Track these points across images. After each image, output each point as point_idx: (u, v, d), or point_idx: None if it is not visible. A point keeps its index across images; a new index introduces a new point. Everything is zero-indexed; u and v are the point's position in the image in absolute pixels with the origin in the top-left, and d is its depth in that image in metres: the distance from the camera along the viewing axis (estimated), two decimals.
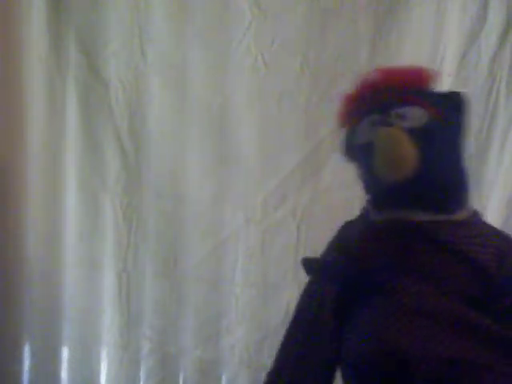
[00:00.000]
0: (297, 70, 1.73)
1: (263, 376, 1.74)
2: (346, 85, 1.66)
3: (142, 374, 1.90)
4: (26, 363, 1.90)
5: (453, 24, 1.70)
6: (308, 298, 1.17)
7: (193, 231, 1.84)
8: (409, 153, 0.97)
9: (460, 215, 1.03)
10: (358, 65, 1.71)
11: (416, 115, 1.00)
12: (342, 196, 1.69)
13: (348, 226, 1.18)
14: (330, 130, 1.72)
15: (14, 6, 1.77)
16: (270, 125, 1.76)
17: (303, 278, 1.78)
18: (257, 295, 1.81)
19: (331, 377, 1.09)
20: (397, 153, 0.99)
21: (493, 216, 1.71)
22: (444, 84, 1.70)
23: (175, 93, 1.80)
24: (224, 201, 1.82)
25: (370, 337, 0.98)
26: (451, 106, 1.05)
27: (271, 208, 1.79)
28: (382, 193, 1.06)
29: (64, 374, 1.92)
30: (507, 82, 1.69)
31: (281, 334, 1.81)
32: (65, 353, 1.91)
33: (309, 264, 1.17)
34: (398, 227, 1.03)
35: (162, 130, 1.82)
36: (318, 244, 1.75)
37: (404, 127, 0.99)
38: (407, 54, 1.71)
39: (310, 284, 1.18)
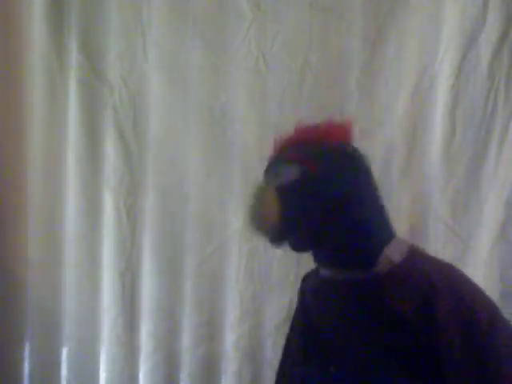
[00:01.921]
0: (298, 70, 1.75)
1: (266, 373, 1.77)
2: (347, 85, 1.72)
3: (145, 372, 1.91)
4: (26, 363, 1.89)
5: (452, 25, 1.71)
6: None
7: (196, 230, 1.84)
8: (266, 210, 1.01)
9: (383, 267, 1.03)
10: (358, 66, 1.73)
11: (286, 172, 1.02)
12: None
13: (305, 282, 1.26)
14: None
15: (15, 7, 1.76)
16: (271, 126, 1.76)
17: None
18: (260, 293, 1.82)
19: None
20: (254, 210, 1.05)
21: (491, 216, 1.73)
22: (444, 85, 1.73)
23: (177, 93, 1.81)
24: (225, 200, 1.82)
25: None
26: (341, 165, 1.05)
27: None
28: None
29: (64, 373, 1.92)
30: (506, 83, 1.71)
31: (284, 331, 1.83)
32: (65, 353, 1.91)
33: None
34: (332, 285, 1.09)
35: (164, 131, 1.83)
36: None
37: (275, 185, 1.02)
38: (407, 54, 1.72)
39: None
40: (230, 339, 1.86)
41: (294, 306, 1.78)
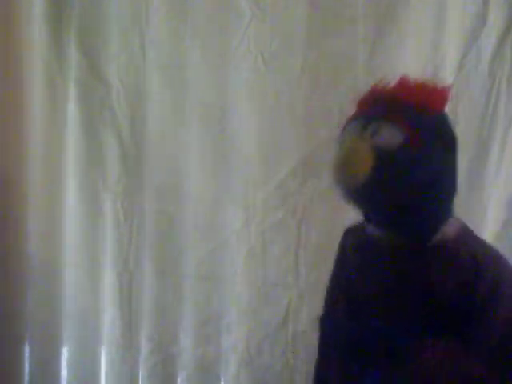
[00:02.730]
0: (297, 69, 1.73)
1: (264, 376, 1.76)
2: (346, 84, 1.71)
3: (143, 374, 1.91)
4: (26, 363, 1.90)
5: (453, 24, 1.69)
6: None
7: (193, 231, 1.84)
8: (359, 166, 0.97)
9: (433, 240, 1.02)
10: (357, 64, 1.71)
11: (389, 134, 0.98)
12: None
13: (347, 235, 1.22)
14: (330, 130, 1.71)
15: (15, 8, 1.77)
16: (270, 124, 1.76)
17: (304, 277, 1.80)
18: (257, 295, 1.81)
19: None
20: (346, 162, 1.00)
21: (493, 216, 1.71)
22: (445, 84, 1.71)
23: (175, 93, 1.80)
24: (224, 201, 1.82)
25: None
26: (440, 139, 1.02)
27: (271, 208, 1.79)
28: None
29: (64, 373, 1.93)
30: (508, 82, 1.68)
31: (281, 334, 1.83)
32: (65, 353, 1.92)
33: None
34: (380, 246, 1.07)
35: (162, 131, 1.82)
36: (318, 244, 1.77)
37: (372, 142, 0.98)
38: (407, 53, 1.70)
39: None
40: (228, 342, 1.85)
41: (293, 307, 1.81)
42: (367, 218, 1.11)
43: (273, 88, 1.75)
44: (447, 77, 1.70)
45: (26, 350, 1.90)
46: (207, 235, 1.83)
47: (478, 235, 1.10)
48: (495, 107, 1.70)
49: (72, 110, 1.83)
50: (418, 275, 1.02)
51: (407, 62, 1.70)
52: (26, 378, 1.91)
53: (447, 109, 1.62)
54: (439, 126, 1.03)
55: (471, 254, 1.00)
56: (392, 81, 1.06)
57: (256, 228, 1.80)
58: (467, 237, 1.06)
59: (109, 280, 1.89)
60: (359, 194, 1.01)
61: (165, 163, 1.83)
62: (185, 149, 1.82)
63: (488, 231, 1.72)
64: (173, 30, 1.79)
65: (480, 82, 1.69)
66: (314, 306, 1.77)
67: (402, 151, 0.97)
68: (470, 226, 1.68)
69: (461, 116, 1.70)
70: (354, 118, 1.06)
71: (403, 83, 1.06)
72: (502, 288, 0.98)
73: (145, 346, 1.89)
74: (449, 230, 1.04)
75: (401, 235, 1.04)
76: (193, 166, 1.82)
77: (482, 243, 1.07)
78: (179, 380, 1.90)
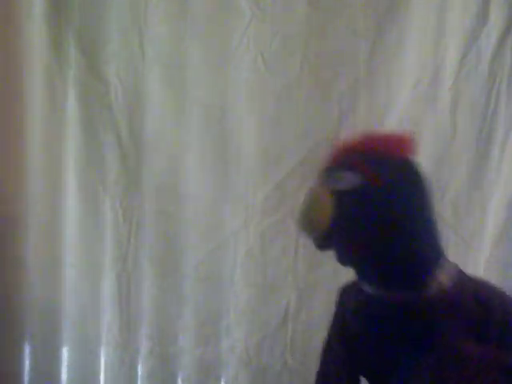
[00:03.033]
0: (297, 68, 1.72)
1: (263, 378, 1.75)
2: (346, 84, 1.70)
3: (142, 375, 1.90)
4: (26, 363, 1.90)
5: (453, 24, 1.68)
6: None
7: (192, 231, 1.83)
8: (318, 212, 0.99)
9: (432, 289, 1.01)
10: (357, 64, 1.70)
11: (348, 179, 0.99)
12: None
13: (344, 295, 1.21)
14: (329, 130, 1.72)
15: (14, 7, 1.76)
16: (270, 124, 1.75)
17: (303, 278, 1.80)
18: (256, 296, 1.81)
19: None
20: (306, 209, 1.02)
21: (494, 216, 1.70)
22: (444, 84, 1.70)
23: (174, 92, 1.80)
24: (223, 201, 1.81)
25: None
26: (403, 181, 1.01)
27: (270, 208, 1.78)
28: None
29: (64, 374, 1.93)
30: (508, 82, 1.68)
31: (280, 334, 1.83)
32: (65, 353, 1.92)
33: None
34: (381, 304, 1.05)
35: (161, 130, 1.81)
36: None
37: (331, 188, 1.00)
38: (407, 53, 1.69)
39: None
40: (226, 343, 1.85)
41: (292, 308, 1.81)
42: (361, 276, 1.10)
43: (272, 88, 1.74)
44: (447, 77, 1.69)
45: (26, 350, 1.90)
46: (206, 235, 1.82)
47: (473, 276, 1.09)
48: (495, 107, 1.69)
49: (71, 109, 1.82)
50: (426, 329, 0.99)
51: (407, 60, 1.70)
52: (26, 378, 1.91)
53: (448, 113, 1.68)
54: (402, 167, 1.02)
55: (475, 297, 0.99)
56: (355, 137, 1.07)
57: (255, 228, 1.79)
58: (465, 280, 1.05)
59: (108, 280, 1.88)
60: (326, 243, 1.03)
61: (164, 163, 1.82)
62: (184, 149, 1.81)
63: (488, 231, 1.72)
64: (172, 30, 1.78)
65: (480, 82, 1.69)
66: (313, 306, 1.79)
67: (361, 191, 0.98)
68: (471, 226, 1.72)
69: (461, 116, 1.70)
70: (320, 173, 1.08)
71: (367, 135, 1.07)
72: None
73: (144, 347, 1.88)
74: (445, 276, 1.02)
75: (391, 287, 1.02)
76: (192, 166, 1.81)
77: (480, 283, 1.06)
78: (179, 380, 1.90)
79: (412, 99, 1.71)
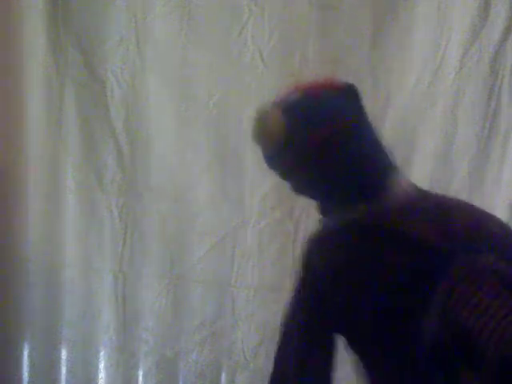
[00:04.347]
0: (295, 66, 1.71)
1: (260, 380, 1.73)
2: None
3: (139, 377, 1.90)
4: (26, 363, 1.91)
5: (454, 21, 1.67)
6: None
7: (189, 231, 1.82)
8: (269, 127, 1.04)
9: (391, 200, 1.01)
10: (357, 60, 1.69)
11: (291, 96, 1.06)
12: None
13: (310, 243, 1.17)
14: None
15: (12, 5, 1.76)
16: None
17: None
18: (253, 297, 1.80)
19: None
20: (259, 126, 1.08)
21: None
22: (445, 82, 1.69)
23: (172, 90, 1.78)
24: (221, 201, 1.80)
25: None
26: (343, 92, 1.06)
27: (268, 208, 1.77)
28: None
29: (63, 374, 1.93)
30: (510, 80, 1.67)
31: (277, 337, 1.80)
32: (64, 353, 1.92)
33: None
34: (345, 227, 1.04)
35: (158, 129, 1.80)
36: None
37: (280, 106, 1.05)
38: (407, 50, 1.68)
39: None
40: (223, 345, 1.83)
41: None
42: (323, 207, 1.12)
43: (270, 85, 1.72)
44: (448, 74, 1.68)
45: (26, 350, 1.91)
46: (203, 235, 1.81)
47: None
48: (497, 106, 1.68)
49: (69, 108, 1.81)
50: (396, 237, 0.97)
51: (407, 57, 1.69)
52: (26, 378, 1.92)
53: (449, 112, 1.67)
54: (340, 87, 1.07)
55: (436, 205, 1.02)
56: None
57: (252, 228, 1.78)
58: (426, 192, 1.07)
59: (104, 281, 1.87)
60: (279, 154, 1.04)
61: (160, 163, 1.81)
62: (181, 148, 1.79)
63: None
64: (169, 27, 1.76)
65: (481, 81, 1.67)
66: None
67: (306, 104, 1.02)
68: None
69: (462, 115, 1.69)
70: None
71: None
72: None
73: (140, 349, 1.87)
74: (404, 187, 1.04)
75: (351, 203, 1.02)
76: (189, 165, 1.79)
77: (441, 195, 1.08)
78: (176, 383, 1.88)
79: (413, 98, 1.69)
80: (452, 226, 0.96)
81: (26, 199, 1.83)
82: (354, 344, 1.04)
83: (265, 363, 1.79)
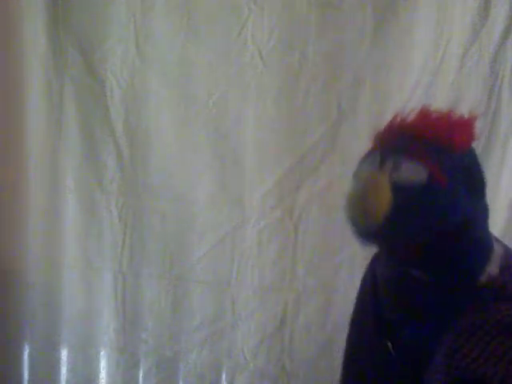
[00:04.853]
0: (295, 66, 1.70)
1: (260, 380, 1.73)
2: (344, 81, 1.68)
3: (139, 377, 1.90)
4: (27, 363, 1.92)
5: (454, 21, 1.66)
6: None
7: (189, 231, 1.82)
8: (378, 204, 0.90)
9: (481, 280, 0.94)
10: (357, 61, 1.68)
11: (410, 170, 0.91)
12: (340, 196, 1.66)
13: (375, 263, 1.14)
14: (328, 129, 1.69)
15: (12, 5, 1.76)
16: (267, 123, 1.73)
17: (301, 280, 1.78)
18: (253, 297, 1.79)
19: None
20: (364, 197, 0.92)
21: (495, 217, 1.68)
22: (445, 81, 1.68)
23: (171, 90, 1.78)
24: (221, 201, 1.79)
25: None
26: (466, 181, 0.93)
27: (268, 208, 1.76)
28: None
29: (63, 374, 1.93)
30: (510, 80, 1.66)
31: (278, 337, 1.81)
32: (64, 354, 1.92)
33: None
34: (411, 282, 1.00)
35: (157, 128, 1.80)
36: (315, 244, 1.75)
37: (391, 178, 0.91)
38: (407, 49, 1.67)
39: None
40: (223, 345, 1.83)
41: (290, 311, 1.79)
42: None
43: (270, 85, 1.73)
44: (447, 74, 1.67)
45: (26, 350, 1.91)
46: (203, 235, 1.81)
47: None
48: (497, 106, 1.67)
49: (68, 108, 1.81)
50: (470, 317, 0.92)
51: (407, 57, 1.68)
52: (26, 378, 1.92)
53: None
54: (466, 165, 0.94)
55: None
56: (412, 114, 0.97)
57: (252, 228, 1.77)
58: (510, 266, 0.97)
59: (104, 281, 1.87)
60: (377, 234, 0.93)
61: (160, 163, 1.80)
62: (180, 147, 1.79)
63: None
64: (168, 26, 1.76)
65: (481, 81, 1.66)
66: (311, 309, 1.77)
67: (425, 189, 0.89)
68: None
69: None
70: (372, 152, 0.98)
71: (424, 116, 0.96)
72: None
73: (140, 349, 1.87)
74: (493, 266, 0.95)
75: (437, 277, 0.96)
76: (188, 164, 1.79)
77: None
78: (174, 383, 1.88)
79: (412, 97, 1.68)
80: None
81: (26, 199, 1.83)
82: None
83: (265, 363, 1.79)
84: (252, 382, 1.81)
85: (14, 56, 1.78)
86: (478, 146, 1.63)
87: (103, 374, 1.91)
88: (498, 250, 0.98)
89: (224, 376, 1.84)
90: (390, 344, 1.03)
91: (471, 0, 1.64)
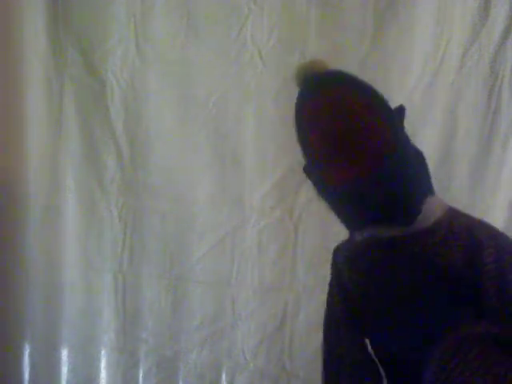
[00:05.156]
0: (294, 65, 1.69)
1: (260, 380, 1.73)
2: None
3: (139, 377, 1.89)
4: (27, 363, 1.92)
5: (454, 21, 1.66)
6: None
7: (189, 231, 1.82)
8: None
9: (423, 222, 1.00)
10: (356, 60, 1.68)
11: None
12: None
13: (337, 252, 1.18)
14: None
15: (12, 5, 1.76)
16: (267, 123, 1.73)
17: (301, 280, 1.78)
18: (253, 297, 1.79)
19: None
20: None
21: (495, 216, 1.68)
22: (445, 81, 1.68)
23: (171, 90, 1.78)
24: (221, 201, 1.79)
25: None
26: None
27: (268, 208, 1.76)
28: (348, 209, 1.05)
29: (63, 374, 1.93)
30: (510, 80, 1.65)
31: (278, 337, 1.81)
32: (64, 354, 1.92)
33: None
34: (373, 245, 1.04)
35: (157, 128, 1.80)
36: (315, 244, 1.75)
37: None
38: (407, 49, 1.67)
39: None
40: (222, 346, 1.83)
41: (290, 310, 1.79)
42: (353, 222, 1.08)
43: (270, 85, 1.73)
44: (447, 74, 1.67)
45: (26, 350, 1.91)
46: (203, 235, 1.81)
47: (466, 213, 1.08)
48: (497, 105, 1.67)
49: (68, 108, 1.82)
50: (422, 259, 0.99)
51: (407, 57, 1.68)
52: (26, 378, 1.92)
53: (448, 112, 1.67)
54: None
55: (467, 229, 1.00)
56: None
57: (252, 228, 1.77)
58: (456, 213, 1.04)
59: (104, 281, 1.87)
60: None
61: (160, 163, 1.80)
62: (180, 147, 1.79)
63: None
64: (168, 26, 1.76)
65: (481, 81, 1.66)
66: (311, 308, 1.76)
67: None
68: None
69: (461, 114, 1.68)
70: None
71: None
72: (505, 254, 0.96)
73: (140, 349, 1.87)
74: (437, 209, 1.02)
75: (387, 223, 1.00)
76: (188, 164, 1.79)
77: (471, 218, 1.05)
78: (176, 383, 1.88)
79: (412, 97, 1.68)
80: (478, 254, 0.96)
81: (26, 199, 1.83)
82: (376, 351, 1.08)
83: (265, 363, 1.79)
84: (252, 382, 1.80)
85: (14, 56, 1.78)
86: (478, 146, 1.67)
87: (103, 374, 1.91)
88: (439, 199, 1.06)
89: (224, 376, 1.84)
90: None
91: (471, 0, 1.64)
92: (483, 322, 0.94)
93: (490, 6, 1.63)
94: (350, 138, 0.97)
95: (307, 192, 1.74)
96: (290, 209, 1.75)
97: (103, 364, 1.91)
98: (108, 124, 1.80)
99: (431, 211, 1.01)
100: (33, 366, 1.91)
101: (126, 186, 1.82)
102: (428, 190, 1.03)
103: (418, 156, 1.04)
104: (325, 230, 1.69)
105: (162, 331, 1.85)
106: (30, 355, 1.91)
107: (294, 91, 1.68)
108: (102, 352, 1.90)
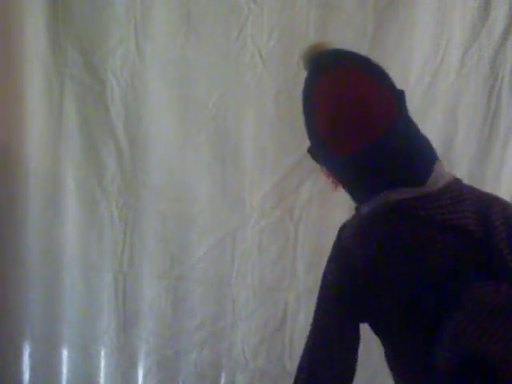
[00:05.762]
0: (294, 65, 1.70)
1: (260, 380, 1.73)
2: None
3: (139, 377, 1.90)
4: (27, 363, 1.92)
5: (454, 21, 1.66)
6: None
7: (189, 231, 1.82)
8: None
9: (433, 185, 1.00)
10: None
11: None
12: (340, 195, 1.66)
13: (343, 229, 1.14)
14: None
15: (13, 5, 1.76)
16: (267, 123, 1.73)
17: (301, 280, 1.78)
18: (253, 297, 1.79)
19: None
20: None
21: None
22: (445, 82, 1.68)
23: (171, 90, 1.78)
24: (221, 201, 1.79)
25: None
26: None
27: (268, 208, 1.76)
28: (354, 179, 1.05)
29: (63, 374, 1.93)
30: (510, 80, 1.66)
31: (278, 337, 1.80)
32: (64, 353, 1.92)
33: None
34: (382, 212, 1.02)
35: (157, 128, 1.80)
36: (316, 244, 1.75)
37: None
38: (407, 49, 1.67)
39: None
40: (223, 346, 1.83)
41: (290, 310, 1.79)
42: (364, 190, 1.07)
43: (270, 85, 1.73)
44: (447, 74, 1.67)
45: (26, 349, 1.91)
46: (203, 235, 1.81)
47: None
48: (497, 105, 1.67)
49: (69, 108, 1.82)
50: (438, 222, 0.98)
51: (407, 57, 1.68)
52: (26, 378, 1.92)
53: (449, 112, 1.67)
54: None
55: (478, 195, 1.02)
56: None
57: (252, 228, 1.77)
58: (464, 183, 1.06)
59: (104, 281, 1.87)
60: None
61: (160, 163, 1.80)
62: (180, 148, 1.79)
63: None
64: (169, 27, 1.76)
65: (481, 81, 1.66)
66: (311, 308, 1.75)
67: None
68: None
69: (462, 114, 1.68)
70: None
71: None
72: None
73: (140, 349, 1.87)
74: (445, 174, 1.03)
75: (400, 185, 1.00)
76: (188, 164, 1.79)
77: (479, 190, 1.07)
78: (176, 383, 1.88)
79: (412, 97, 1.68)
80: (490, 217, 0.97)
81: (26, 199, 1.83)
82: (379, 332, 1.06)
83: (265, 363, 1.79)
84: (252, 382, 1.80)
85: (14, 56, 1.78)
86: (478, 146, 1.67)
87: (103, 374, 1.91)
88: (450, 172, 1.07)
89: (224, 376, 1.84)
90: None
91: (471, 0, 1.64)
92: (502, 284, 0.92)
93: (490, 6, 1.63)
94: (358, 104, 0.98)
95: (307, 192, 1.74)
96: (290, 209, 1.75)
97: (103, 364, 1.91)
98: (108, 124, 1.80)
99: (441, 174, 1.01)
100: (33, 366, 1.91)
101: (126, 186, 1.81)
102: (435, 156, 1.04)
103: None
104: (325, 230, 1.70)
105: (162, 331, 1.85)
106: (30, 355, 1.91)
107: (294, 91, 1.71)
108: (102, 352, 1.90)
